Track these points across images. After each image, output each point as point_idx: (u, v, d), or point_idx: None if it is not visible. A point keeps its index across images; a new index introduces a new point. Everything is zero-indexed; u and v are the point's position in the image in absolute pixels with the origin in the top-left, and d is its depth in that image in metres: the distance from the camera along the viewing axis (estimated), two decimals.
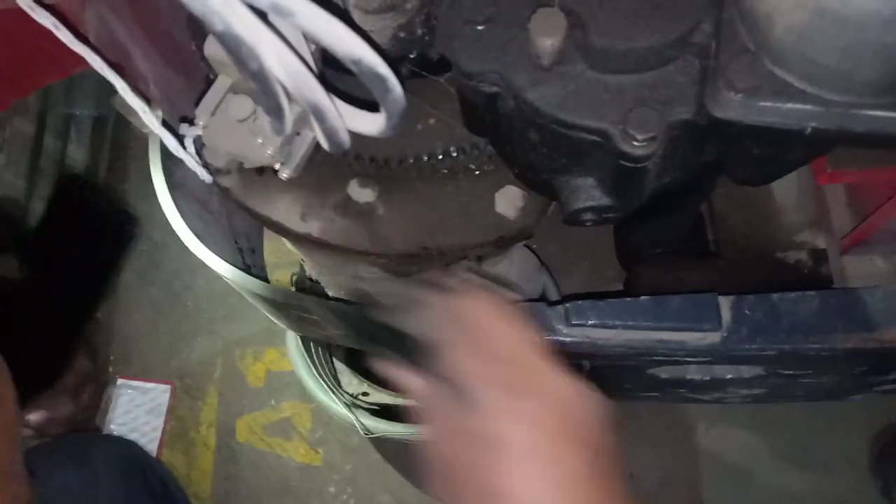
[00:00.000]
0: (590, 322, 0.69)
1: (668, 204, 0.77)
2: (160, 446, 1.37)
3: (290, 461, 1.32)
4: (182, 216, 0.84)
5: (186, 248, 0.79)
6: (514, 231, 0.62)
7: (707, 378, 0.82)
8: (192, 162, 0.59)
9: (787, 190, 0.83)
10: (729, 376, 0.81)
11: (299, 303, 0.77)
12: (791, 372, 0.78)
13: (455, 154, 0.60)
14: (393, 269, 0.67)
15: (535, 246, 1.30)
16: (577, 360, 0.77)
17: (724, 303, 0.68)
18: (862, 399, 1.08)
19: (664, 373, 0.80)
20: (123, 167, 1.57)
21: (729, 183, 0.93)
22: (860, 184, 0.65)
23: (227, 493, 1.31)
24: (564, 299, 0.71)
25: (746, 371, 0.79)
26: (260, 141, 0.54)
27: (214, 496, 1.31)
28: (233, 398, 1.39)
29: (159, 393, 1.41)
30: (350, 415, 0.98)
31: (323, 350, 1.12)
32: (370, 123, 0.47)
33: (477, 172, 0.62)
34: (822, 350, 0.68)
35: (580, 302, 0.70)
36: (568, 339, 0.69)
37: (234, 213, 1.05)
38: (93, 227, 1.50)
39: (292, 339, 1.09)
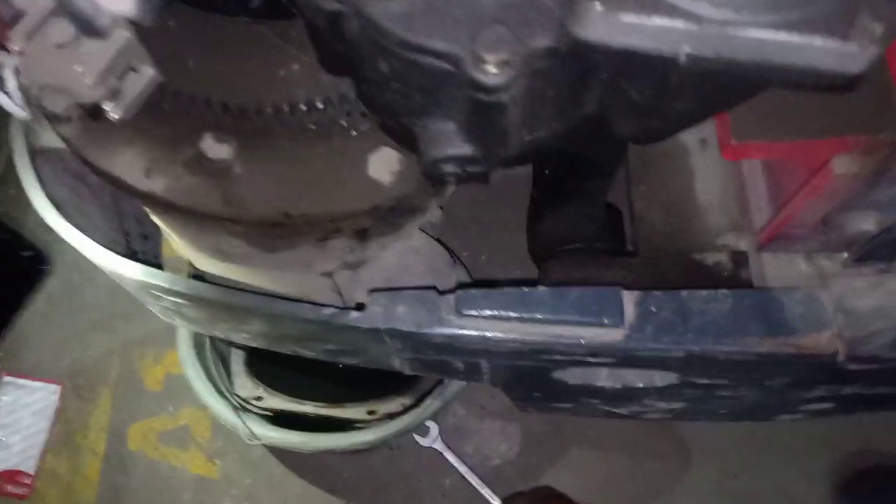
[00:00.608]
0: (483, 313, 0.62)
1: (572, 187, 0.71)
2: (44, 451, 1.25)
3: (184, 472, 1.21)
4: (43, 183, 0.76)
5: None
6: (390, 200, 0.55)
7: (619, 386, 0.75)
8: None
9: (710, 190, 0.79)
10: (641, 385, 0.74)
11: (164, 284, 0.68)
12: (706, 381, 0.72)
13: (321, 106, 0.53)
14: (256, 241, 0.59)
15: (465, 254, 1.23)
16: (474, 359, 0.69)
17: (629, 298, 0.61)
18: (791, 420, 1.03)
19: (571, 378, 0.73)
20: None
21: (650, 180, 0.88)
22: (777, 164, 0.60)
23: None
24: (457, 287, 0.64)
25: (660, 379, 0.73)
26: (80, 70, 0.46)
27: None
28: (127, 402, 1.27)
29: (48, 393, 1.28)
30: (237, 419, 0.89)
31: (218, 349, 1.02)
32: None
33: (352, 133, 0.55)
34: (735, 354, 0.62)
35: (473, 290, 0.63)
36: (459, 332, 0.62)
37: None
38: None
39: (183, 335, 1.00)
